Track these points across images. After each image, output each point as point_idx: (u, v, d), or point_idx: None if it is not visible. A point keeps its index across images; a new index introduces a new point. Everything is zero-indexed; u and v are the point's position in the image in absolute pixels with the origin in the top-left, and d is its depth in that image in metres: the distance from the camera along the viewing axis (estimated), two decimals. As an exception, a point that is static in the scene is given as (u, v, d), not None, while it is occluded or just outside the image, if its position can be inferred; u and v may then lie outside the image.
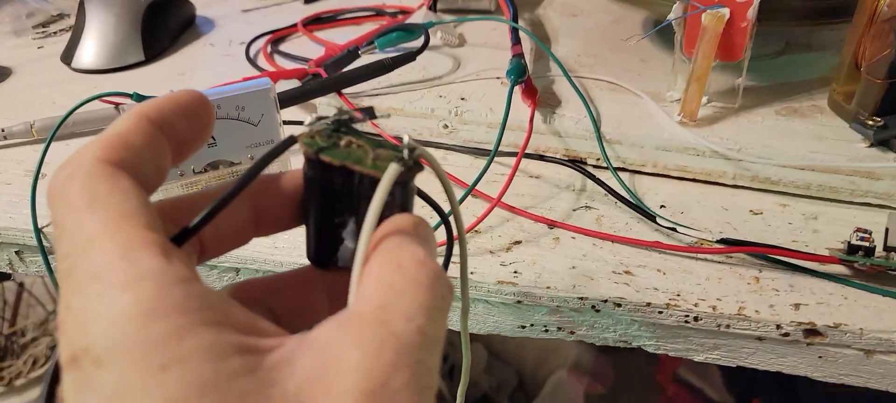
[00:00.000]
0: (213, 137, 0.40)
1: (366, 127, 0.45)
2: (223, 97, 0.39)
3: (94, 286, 0.16)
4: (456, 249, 0.25)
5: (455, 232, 0.25)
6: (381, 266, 0.19)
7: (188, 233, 0.20)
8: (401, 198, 0.22)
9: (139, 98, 0.44)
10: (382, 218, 0.21)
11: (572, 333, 0.37)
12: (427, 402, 0.17)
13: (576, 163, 0.44)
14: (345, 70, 0.51)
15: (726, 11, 0.42)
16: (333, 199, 0.23)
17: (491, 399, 1.02)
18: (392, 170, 0.20)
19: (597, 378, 1.00)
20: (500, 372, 1.02)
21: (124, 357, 0.15)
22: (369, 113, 0.23)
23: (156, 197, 0.20)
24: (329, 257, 0.24)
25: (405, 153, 0.21)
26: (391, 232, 0.20)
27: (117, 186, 0.18)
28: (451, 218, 0.25)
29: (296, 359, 0.17)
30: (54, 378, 0.22)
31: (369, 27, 0.65)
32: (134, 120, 0.20)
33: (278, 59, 0.60)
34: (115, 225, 0.17)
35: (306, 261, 0.24)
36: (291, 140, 0.22)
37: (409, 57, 0.49)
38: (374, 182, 0.21)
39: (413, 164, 0.21)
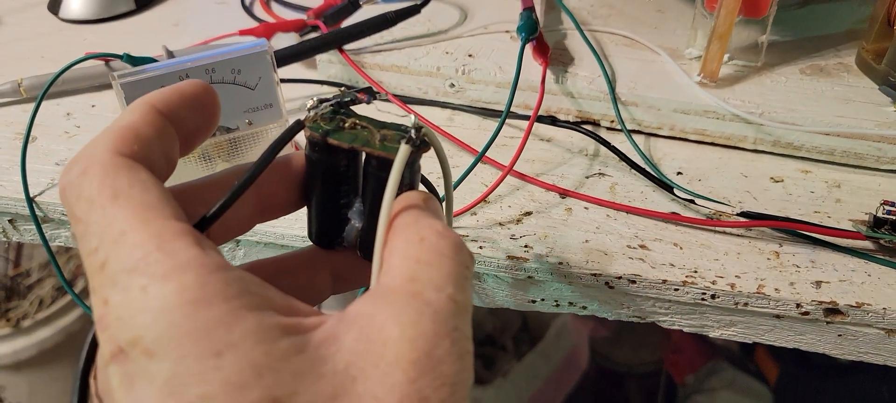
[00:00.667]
0: (208, 102, 0.38)
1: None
2: (218, 60, 0.37)
3: (135, 278, 0.16)
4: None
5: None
6: (405, 241, 0.19)
7: (208, 222, 0.20)
8: (409, 177, 0.22)
9: (129, 58, 0.42)
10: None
11: (584, 309, 0.36)
12: (467, 367, 0.18)
13: (589, 129, 0.42)
14: (344, 25, 0.48)
15: (753, -36, 0.39)
16: (339, 181, 0.23)
17: (495, 340, 1.03)
18: (404, 151, 0.20)
19: (600, 320, 1.01)
20: (503, 314, 1.03)
21: (177, 346, 0.15)
22: (369, 93, 0.24)
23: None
24: (333, 237, 0.24)
25: (413, 132, 0.21)
26: (405, 208, 0.21)
27: (136, 178, 0.18)
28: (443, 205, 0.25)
29: (340, 336, 0.17)
30: (86, 369, 0.22)
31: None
32: (142, 111, 0.20)
33: (276, 8, 0.57)
34: (143, 217, 0.17)
35: (306, 241, 0.24)
36: (299, 125, 0.22)
37: (413, 10, 0.46)
38: (383, 162, 0.21)
39: (421, 143, 0.21)
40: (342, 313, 0.18)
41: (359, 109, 0.25)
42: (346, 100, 0.23)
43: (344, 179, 0.23)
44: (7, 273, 1.08)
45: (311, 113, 0.22)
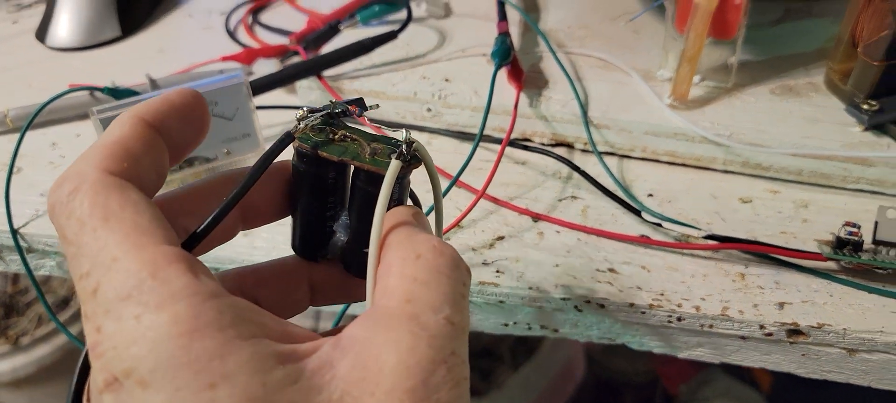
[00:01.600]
0: (187, 134, 0.39)
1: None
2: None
3: (129, 307, 0.16)
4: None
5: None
6: (401, 258, 0.19)
7: (197, 239, 0.20)
8: (398, 193, 0.22)
9: (111, 91, 0.43)
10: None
11: (556, 331, 0.37)
12: (463, 394, 0.18)
13: (560, 154, 0.43)
14: (324, 50, 0.49)
15: (720, -12, 0.40)
16: (326, 193, 0.23)
17: (492, 352, 1.03)
18: (394, 166, 0.20)
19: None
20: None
21: (172, 377, 0.16)
22: (360, 105, 0.23)
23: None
24: (317, 249, 0.24)
25: (404, 148, 0.21)
26: (397, 225, 0.21)
27: (128, 199, 0.18)
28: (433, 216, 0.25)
29: (335, 363, 0.17)
30: (78, 390, 0.22)
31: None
32: (131, 125, 0.20)
33: (259, 31, 0.58)
34: (136, 242, 0.17)
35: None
36: (288, 137, 0.22)
37: (390, 36, 0.47)
38: (372, 177, 0.21)
39: (411, 159, 0.21)
40: (337, 338, 0.18)
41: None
42: (337, 111, 0.22)
43: (331, 191, 0.23)
44: (6, 290, 1.09)
45: (301, 125, 0.22)
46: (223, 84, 0.38)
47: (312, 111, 0.22)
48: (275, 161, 0.23)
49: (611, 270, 0.36)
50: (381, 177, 0.20)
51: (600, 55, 0.48)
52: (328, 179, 0.22)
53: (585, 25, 0.52)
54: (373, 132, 0.22)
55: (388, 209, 0.21)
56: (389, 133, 0.23)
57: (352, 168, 0.22)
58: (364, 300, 0.23)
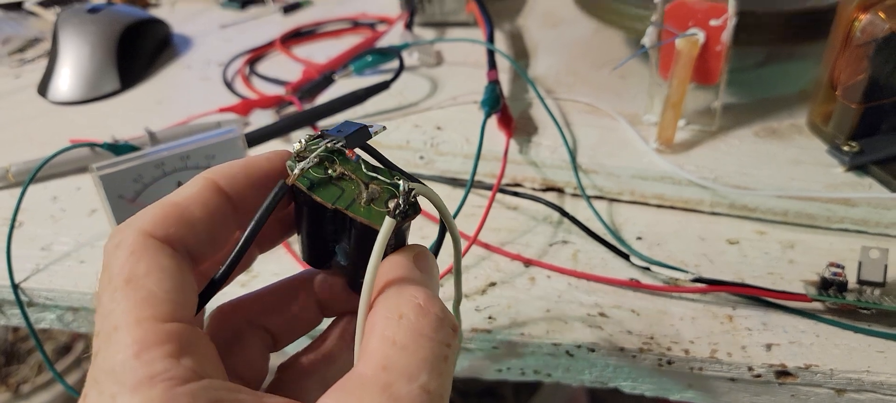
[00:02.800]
0: (184, 187, 0.40)
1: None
2: (192, 148, 0.39)
3: (109, 383, 0.17)
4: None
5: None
6: (385, 318, 0.19)
7: (215, 287, 0.21)
8: (395, 239, 0.21)
9: (110, 147, 0.44)
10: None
11: (549, 376, 0.37)
12: None
13: (549, 199, 0.44)
14: (318, 103, 0.50)
15: (701, 36, 0.42)
16: (325, 222, 0.23)
17: (494, 391, 1.03)
18: (388, 225, 0.20)
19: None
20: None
21: None
22: (362, 137, 0.22)
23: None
24: (325, 261, 0.24)
25: (400, 200, 0.20)
26: (390, 281, 0.20)
27: (155, 264, 0.19)
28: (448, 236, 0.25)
29: None
30: None
31: (349, 39, 0.64)
32: (200, 188, 0.20)
33: (256, 82, 0.60)
34: (138, 315, 0.18)
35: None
36: (283, 189, 0.21)
37: (382, 86, 0.48)
38: (366, 227, 0.20)
39: (409, 210, 0.20)
40: None
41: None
42: (334, 147, 0.22)
43: (330, 221, 0.23)
44: (7, 338, 1.09)
45: (296, 170, 0.21)
46: (220, 138, 0.39)
47: (312, 139, 0.22)
48: (263, 163, 0.22)
49: (601, 314, 0.36)
50: (375, 230, 0.20)
51: (588, 101, 0.49)
52: (327, 213, 0.22)
53: (574, 71, 0.53)
54: (372, 168, 0.21)
55: (386, 255, 0.21)
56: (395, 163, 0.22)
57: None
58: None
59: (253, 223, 0.21)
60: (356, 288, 0.24)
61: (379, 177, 0.21)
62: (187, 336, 0.18)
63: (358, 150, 0.23)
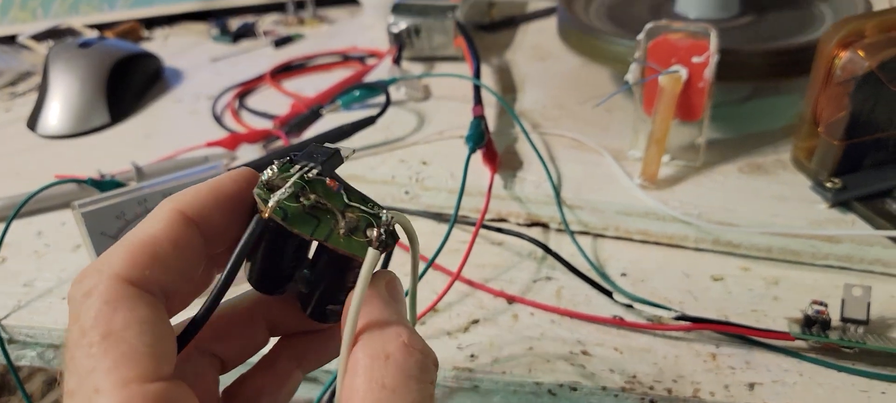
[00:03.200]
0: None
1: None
2: (173, 185, 0.39)
3: None
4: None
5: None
6: (370, 357, 0.19)
7: (196, 328, 0.20)
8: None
9: (94, 183, 0.44)
10: (349, 285, 0.20)
11: (531, 415, 0.37)
12: None
13: (532, 236, 0.44)
14: (306, 134, 0.51)
15: (683, 73, 0.42)
16: (289, 248, 0.22)
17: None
18: (372, 257, 0.19)
19: None
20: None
21: None
22: (334, 165, 0.22)
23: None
24: (276, 286, 0.23)
25: (382, 231, 0.20)
26: (372, 316, 0.20)
27: (134, 317, 0.17)
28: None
29: None
30: None
31: (339, 73, 0.65)
32: (166, 221, 0.19)
33: (245, 115, 0.60)
34: (121, 376, 0.17)
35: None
36: (260, 224, 0.20)
37: (369, 121, 0.49)
38: (343, 255, 0.20)
39: (389, 240, 0.20)
40: None
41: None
42: (310, 175, 0.21)
43: (297, 248, 0.22)
44: (-4, 368, 1.08)
45: (271, 202, 0.20)
46: (202, 174, 0.39)
47: (283, 165, 0.21)
48: (230, 186, 0.21)
49: (584, 352, 0.36)
50: (354, 258, 0.19)
51: (574, 135, 0.49)
52: (294, 242, 0.21)
53: (561, 105, 0.54)
54: (349, 195, 0.21)
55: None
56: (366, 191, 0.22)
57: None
58: (320, 330, 0.23)
59: (231, 262, 0.20)
60: (317, 315, 0.23)
61: (355, 204, 0.21)
62: (173, 396, 0.17)
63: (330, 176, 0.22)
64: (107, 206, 0.38)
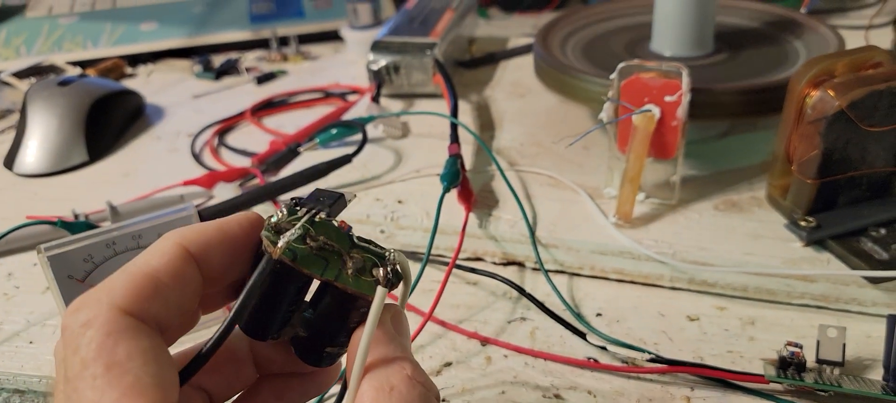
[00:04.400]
0: (136, 266, 0.39)
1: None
2: (145, 227, 0.39)
3: None
4: None
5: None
6: (375, 389, 0.19)
7: (200, 362, 0.20)
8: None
9: (64, 224, 0.43)
10: (352, 325, 0.21)
11: (504, 461, 0.36)
12: None
13: (508, 279, 0.43)
14: (284, 172, 0.50)
15: (656, 111, 0.42)
16: (291, 290, 0.22)
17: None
18: (381, 294, 0.20)
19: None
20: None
21: None
22: (340, 208, 0.23)
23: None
24: (267, 332, 0.23)
25: (390, 270, 0.21)
26: (378, 350, 0.20)
27: (137, 349, 0.17)
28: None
29: None
30: None
31: (321, 110, 0.65)
32: (169, 255, 0.19)
33: (224, 153, 0.60)
34: None
35: None
36: (271, 263, 0.21)
37: (345, 160, 0.48)
38: (351, 294, 0.21)
39: (394, 279, 0.21)
40: None
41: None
42: (318, 218, 0.21)
43: (299, 290, 0.22)
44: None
45: (281, 243, 0.20)
46: (173, 217, 0.39)
47: (295, 207, 0.22)
48: (235, 228, 0.22)
49: (557, 396, 0.35)
50: (362, 297, 0.20)
51: (550, 173, 0.49)
52: (299, 283, 0.22)
53: (538, 143, 0.54)
54: (352, 238, 0.22)
55: (359, 321, 0.21)
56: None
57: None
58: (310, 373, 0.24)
59: (241, 299, 0.20)
60: (314, 359, 0.23)
61: (360, 245, 0.21)
62: None
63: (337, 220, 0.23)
64: (74, 250, 0.37)
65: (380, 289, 0.20)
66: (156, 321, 0.19)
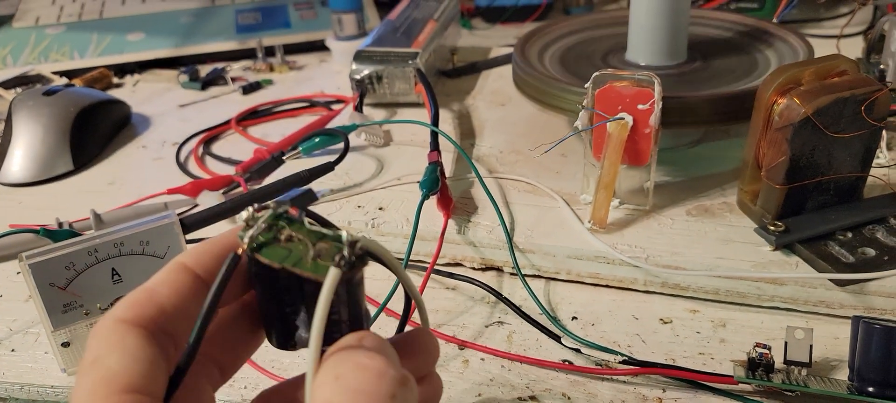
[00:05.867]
0: (118, 273, 0.40)
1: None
2: (126, 235, 0.39)
3: None
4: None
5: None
6: (320, 383, 0.19)
7: (181, 373, 0.21)
8: (347, 294, 0.21)
9: (46, 233, 0.44)
10: (334, 316, 0.21)
11: (480, 462, 0.37)
12: None
13: (485, 284, 0.44)
14: (268, 180, 0.51)
15: (629, 119, 0.43)
16: (281, 292, 0.22)
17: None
18: (332, 277, 0.20)
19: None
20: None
21: None
22: (309, 197, 0.23)
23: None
24: (286, 342, 0.24)
25: (345, 251, 0.20)
26: (340, 347, 0.20)
27: (119, 344, 0.20)
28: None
29: None
30: None
31: (306, 119, 0.66)
32: (168, 271, 0.22)
33: (210, 161, 0.60)
34: (91, 392, 0.19)
35: None
36: (235, 260, 0.22)
37: (327, 167, 0.49)
38: (314, 282, 0.21)
39: (355, 261, 0.20)
40: None
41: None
42: (280, 212, 0.22)
43: (287, 290, 0.22)
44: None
45: (246, 238, 0.22)
46: (154, 224, 0.39)
47: (263, 207, 0.22)
48: (230, 240, 0.23)
49: (532, 398, 0.36)
50: (320, 285, 0.20)
51: (529, 180, 0.50)
52: (280, 281, 0.22)
53: (517, 150, 0.54)
54: (321, 230, 0.22)
55: (339, 312, 0.21)
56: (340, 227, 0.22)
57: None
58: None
59: (209, 299, 0.21)
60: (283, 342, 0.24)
61: (328, 234, 0.22)
62: None
63: (303, 212, 0.23)
64: (56, 257, 0.38)
65: (332, 270, 0.20)
66: (154, 325, 0.21)
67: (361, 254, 0.21)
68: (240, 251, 0.22)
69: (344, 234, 0.21)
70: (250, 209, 0.22)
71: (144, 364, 0.20)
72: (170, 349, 0.21)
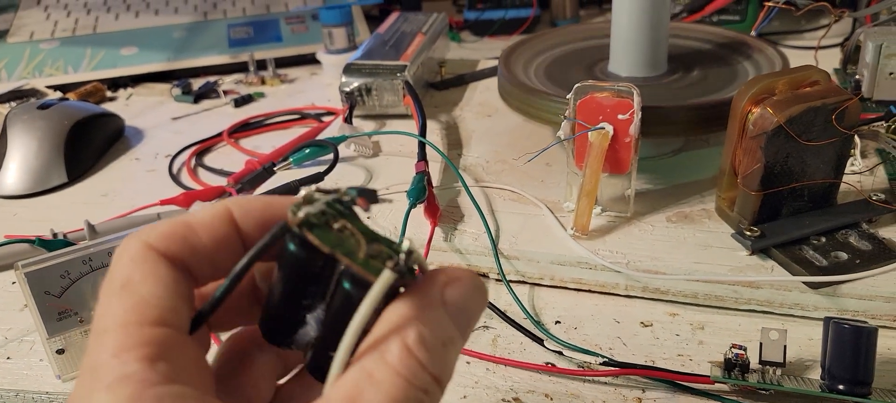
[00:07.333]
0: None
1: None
2: (116, 244, 0.40)
3: (89, 380, 0.18)
4: None
5: None
6: (368, 348, 0.19)
7: (202, 318, 0.21)
8: (383, 305, 0.20)
9: (42, 243, 0.45)
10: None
11: (465, 463, 0.38)
12: None
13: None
14: (257, 191, 0.52)
15: (610, 129, 0.44)
16: (308, 280, 0.21)
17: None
18: (385, 278, 0.19)
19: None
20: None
21: None
22: (371, 197, 0.22)
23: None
24: (284, 336, 0.23)
25: (402, 258, 0.19)
26: (394, 317, 0.19)
27: (151, 272, 0.20)
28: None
29: None
30: None
31: (297, 131, 0.67)
32: (212, 215, 0.21)
33: (202, 173, 0.61)
34: (126, 319, 0.19)
35: None
36: (284, 229, 0.20)
37: (317, 178, 0.50)
38: (360, 281, 0.20)
39: (407, 271, 0.20)
40: None
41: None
42: (345, 199, 0.21)
43: (314, 281, 0.21)
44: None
45: (300, 213, 0.20)
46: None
47: (322, 190, 0.21)
48: (281, 208, 0.22)
49: (516, 399, 0.37)
50: (369, 284, 0.19)
51: (514, 189, 0.51)
52: (314, 268, 0.21)
53: (503, 160, 0.56)
54: (375, 232, 0.21)
55: (370, 324, 0.20)
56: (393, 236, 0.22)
57: (342, 264, 0.20)
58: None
59: (245, 259, 0.21)
60: (316, 370, 0.23)
61: (382, 238, 0.21)
62: (169, 341, 0.19)
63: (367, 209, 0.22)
64: (51, 266, 0.38)
65: (386, 272, 0.19)
66: (182, 262, 0.20)
67: (412, 268, 0.20)
68: (291, 223, 0.20)
69: (407, 243, 0.20)
70: (313, 186, 0.22)
71: (176, 300, 0.20)
72: (191, 289, 0.21)
